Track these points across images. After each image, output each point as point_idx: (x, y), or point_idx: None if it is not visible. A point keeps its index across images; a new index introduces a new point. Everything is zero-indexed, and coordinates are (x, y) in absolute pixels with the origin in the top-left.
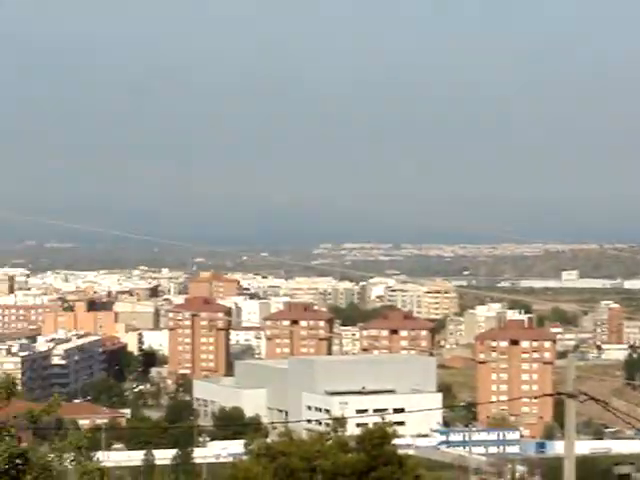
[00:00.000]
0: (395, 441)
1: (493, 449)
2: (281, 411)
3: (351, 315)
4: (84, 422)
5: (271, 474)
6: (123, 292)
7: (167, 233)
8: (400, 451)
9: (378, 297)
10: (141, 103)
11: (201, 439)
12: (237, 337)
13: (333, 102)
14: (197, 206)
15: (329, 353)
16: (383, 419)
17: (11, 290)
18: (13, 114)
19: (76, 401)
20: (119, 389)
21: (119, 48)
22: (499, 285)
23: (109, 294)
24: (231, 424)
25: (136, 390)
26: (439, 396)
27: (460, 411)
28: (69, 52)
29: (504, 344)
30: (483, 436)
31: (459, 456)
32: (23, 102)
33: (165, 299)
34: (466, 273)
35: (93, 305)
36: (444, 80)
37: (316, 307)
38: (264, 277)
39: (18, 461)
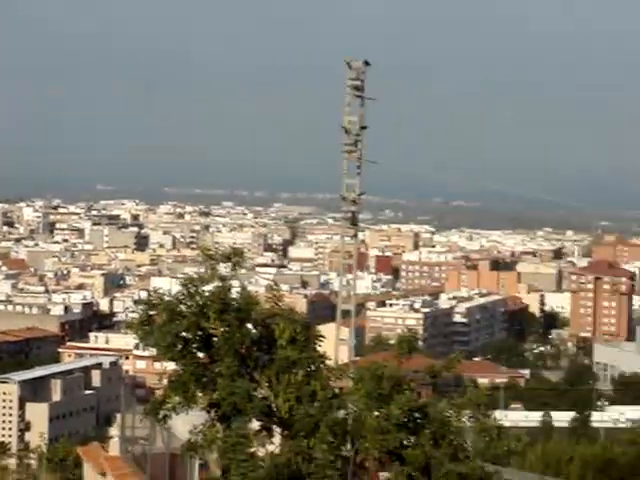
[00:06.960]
0: None
1: None
2: None
3: None
4: (483, 380)
5: None
6: (526, 253)
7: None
8: None
9: None
10: None
11: (599, 403)
12: None
13: None
14: None
15: None
16: None
17: (416, 247)
18: None
19: (476, 359)
20: (519, 350)
21: None
22: None
23: (512, 254)
24: (630, 389)
25: (536, 351)
26: None
27: None
28: None
29: None
30: None
31: None
32: None
33: (568, 261)
34: None
35: (496, 265)
36: None
37: None
38: None
39: (417, 415)
